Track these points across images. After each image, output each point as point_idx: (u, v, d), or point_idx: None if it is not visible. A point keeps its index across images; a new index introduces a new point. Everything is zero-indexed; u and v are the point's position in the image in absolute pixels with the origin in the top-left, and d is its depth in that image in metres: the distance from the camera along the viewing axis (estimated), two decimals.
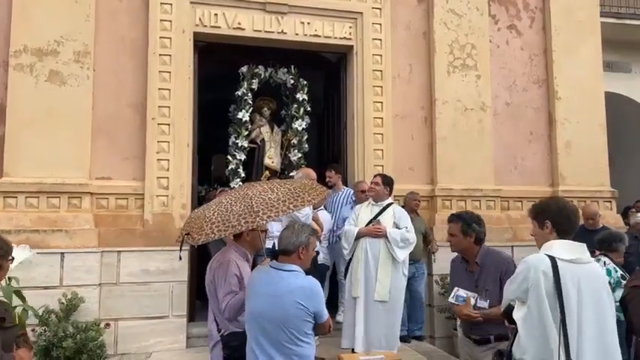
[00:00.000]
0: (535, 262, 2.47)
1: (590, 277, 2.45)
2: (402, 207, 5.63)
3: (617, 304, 4.41)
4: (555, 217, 2.49)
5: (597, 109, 6.66)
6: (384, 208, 4.66)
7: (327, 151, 7.09)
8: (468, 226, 3.30)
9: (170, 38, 5.43)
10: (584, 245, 2.51)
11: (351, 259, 4.69)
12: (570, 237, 2.50)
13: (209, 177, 9.77)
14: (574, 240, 2.50)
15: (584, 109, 6.57)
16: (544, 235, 2.58)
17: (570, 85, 6.56)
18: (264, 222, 2.68)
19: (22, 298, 2.73)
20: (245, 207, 2.59)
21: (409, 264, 5.35)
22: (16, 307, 2.65)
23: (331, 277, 5.83)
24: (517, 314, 2.51)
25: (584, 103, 6.58)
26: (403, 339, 5.23)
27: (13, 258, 2.37)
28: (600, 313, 2.44)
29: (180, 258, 3.23)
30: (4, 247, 2.33)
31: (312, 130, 7.33)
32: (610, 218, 6.44)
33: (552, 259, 2.42)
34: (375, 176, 4.92)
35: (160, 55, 5.38)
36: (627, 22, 8.67)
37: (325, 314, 2.69)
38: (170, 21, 5.44)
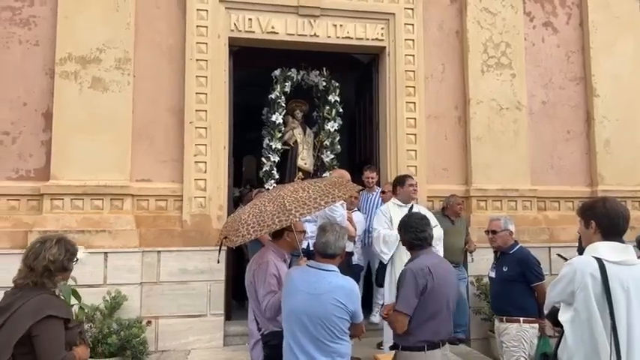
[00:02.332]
0: (582, 264, 2.43)
1: (637, 279, 2.40)
2: (443, 209, 5.64)
3: None
4: (601, 217, 2.45)
5: (637, 106, 6.47)
6: (410, 208, 4.68)
7: (359, 152, 7.11)
8: None
9: (206, 43, 5.56)
10: (630, 247, 2.47)
11: (388, 263, 4.68)
12: (617, 239, 2.46)
13: (240, 178, 9.93)
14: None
15: (623, 106, 6.40)
16: (589, 235, 2.55)
17: (609, 82, 6.40)
18: (297, 219, 2.76)
19: (78, 297, 2.85)
20: (278, 206, 2.67)
21: None
22: (72, 305, 2.78)
23: (366, 278, 5.85)
24: (563, 317, 2.48)
25: (624, 100, 6.41)
26: (449, 341, 5.21)
27: (77, 259, 2.50)
28: None
29: (219, 261, 3.32)
30: (71, 249, 2.45)
31: (344, 132, 7.38)
32: None
33: (599, 261, 2.39)
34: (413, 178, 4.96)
35: (197, 60, 5.52)
36: None
37: (361, 315, 2.75)
38: (206, 27, 5.57)
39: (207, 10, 5.59)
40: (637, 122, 6.42)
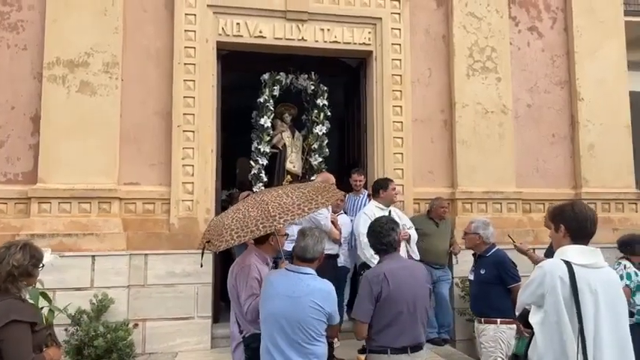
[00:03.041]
0: (551, 267, 2.50)
1: (605, 282, 2.46)
2: (428, 212, 5.71)
3: (639, 307, 4.41)
4: (569, 221, 2.51)
5: (622, 110, 6.57)
6: (389, 211, 4.76)
7: (348, 155, 7.17)
8: None
9: (194, 48, 5.61)
10: (598, 250, 2.53)
11: None
12: (585, 242, 2.52)
13: (233, 180, 9.96)
14: None
15: (607, 110, 6.50)
16: (559, 239, 2.61)
17: (593, 87, 6.49)
18: (281, 225, 2.79)
19: (49, 300, 2.90)
20: (262, 212, 2.71)
21: (435, 268, 5.45)
22: (42, 308, 2.83)
23: (352, 280, 5.90)
24: (533, 318, 2.54)
25: (608, 104, 6.51)
26: (434, 341, 5.29)
27: (43, 265, 2.54)
28: (616, 318, 2.45)
29: (202, 265, 3.36)
30: (36, 255, 2.49)
31: (333, 135, 7.43)
32: (635, 220, 6.35)
33: (568, 265, 2.46)
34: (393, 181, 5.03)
35: (185, 64, 5.57)
36: None
37: (338, 317, 2.81)
38: (194, 31, 5.62)
39: (195, 15, 5.64)
40: (620, 126, 6.51)
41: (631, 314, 4.66)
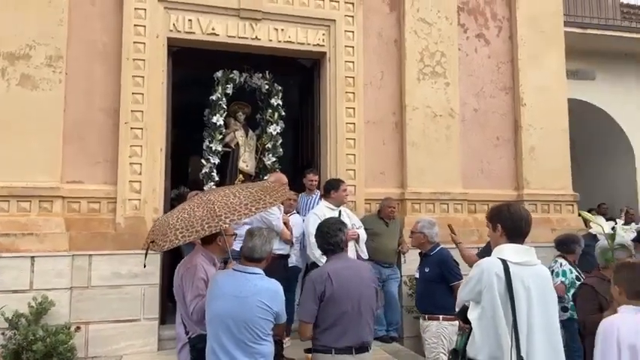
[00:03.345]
0: (488, 265, 2.61)
1: (537, 278, 2.60)
2: (379, 212, 5.81)
3: (572, 302, 4.66)
4: (505, 221, 2.64)
5: (560, 115, 6.92)
6: (340, 212, 4.83)
7: (302, 155, 7.20)
8: None
9: (144, 43, 5.47)
10: (532, 249, 2.67)
11: None
12: (520, 241, 2.66)
13: (186, 179, 9.76)
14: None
15: (548, 115, 6.83)
16: (496, 238, 2.74)
17: (535, 93, 6.80)
18: (227, 225, 2.78)
19: None
20: (208, 212, 2.69)
21: (384, 267, 5.56)
22: None
23: (304, 279, 5.92)
24: (472, 314, 2.65)
25: (548, 109, 6.84)
26: (382, 339, 5.39)
27: None
28: (547, 312, 2.59)
29: (145, 266, 3.29)
30: None
31: (289, 134, 7.44)
32: (572, 221, 6.71)
33: (504, 262, 2.58)
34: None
35: (134, 59, 5.42)
36: (591, 31, 9.03)
37: (285, 316, 2.82)
38: (144, 26, 5.48)
39: (145, 10, 5.50)
40: (559, 131, 6.86)
41: (565, 309, 4.94)
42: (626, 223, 4.47)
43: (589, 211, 7.99)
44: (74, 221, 5.16)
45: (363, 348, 2.98)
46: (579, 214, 5.04)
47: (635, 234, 3.61)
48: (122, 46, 5.40)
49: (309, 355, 4.29)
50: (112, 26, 5.46)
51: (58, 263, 4.87)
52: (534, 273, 2.61)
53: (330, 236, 3.05)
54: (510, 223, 2.64)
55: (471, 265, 3.92)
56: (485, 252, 2.93)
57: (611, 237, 3.44)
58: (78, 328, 4.82)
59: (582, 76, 9.26)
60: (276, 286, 2.80)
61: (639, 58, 9.76)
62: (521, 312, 2.51)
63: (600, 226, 3.45)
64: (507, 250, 2.61)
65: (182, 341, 3.15)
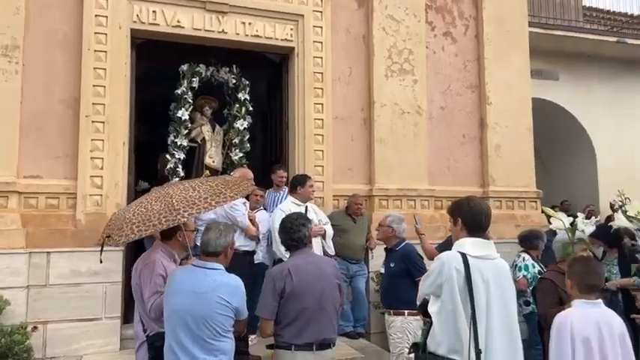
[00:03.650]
0: (448, 258, 2.64)
1: (496, 272, 2.64)
2: (347, 208, 5.81)
3: (533, 297, 4.76)
4: (465, 215, 2.67)
5: (525, 114, 7.06)
6: (306, 207, 4.81)
7: (270, 150, 7.14)
8: None
9: (106, 34, 5.30)
10: (492, 242, 2.70)
11: None
12: (480, 235, 2.68)
13: (155, 175, 9.53)
14: None
15: (512, 114, 6.95)
16: (457, 232, 2.77)
17: (500, 91, 6.92)
18: (185, 219, 2.72)
19: None
20: (165, 205, 2.62)
21: (352, 263, 5.56)
22: None
23: None
24: (432, 308, 2.66)
25: (513, 108, 6.97)
26: (349, 335, 5.39)
27: None
28: (505, 305, 2.63)
29: (101, 261, 3.19)
30: None
31: (257, 130, 7.36)
32: (535, 217, 6.86)
33: (464, 256, 2.60)
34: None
35: (95, 51, 5.25)
36: (555, 32, 9.25)
37: (246, 312, 2.78)
38: (106, 16, 5.31)
39: None
40: (523, 129, 7.00)
41: (528, 303, 5.06)
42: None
43: (552, 208, 8.26)
44: (31, 217, 4.97)
45: (324, 345, 2.96)
46: (542, 210, 5.15)
47: (595, 228, 3.71)
48: (82, 37, 5.22)
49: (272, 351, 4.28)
50: (73, 15, 5.28)
51: (14, 261, 4.68)
52: (494, 267, 2.64)
53: (294, 232, 3.02)
54: (470, 217, 2.67)
55: (430, 258, 3.99)
56: (445, 246, 2.96)
57: (572, 231, 3.53)
58: (35, 327, 4.66)
59: (546, 76, 9.48)
60: (236, 282, 2.75)
61: (601, 60, 10.04)
62: (480, 305, 2.54)
63: (561, 220, 3.53)
64: (467, 244, 2.64)
65: (140, 339, 3.07)
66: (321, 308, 2.93)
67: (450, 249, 2.70)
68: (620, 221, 3.53)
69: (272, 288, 2.88)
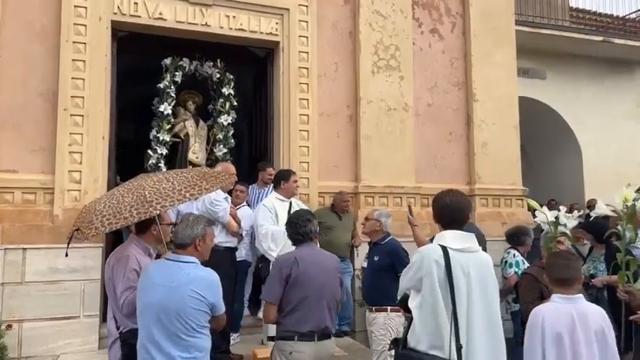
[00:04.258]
0: (428, 251, 2.59)
1: (477, 265, 2.58)
2: (332, 205, 5.74)
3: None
4: (442, 209, 2.63)
5: (511, 112, 7.04)
6: (290, 203, 4.74)
7: (256, 146, 7.04)
8: None
9: (85, 25, 5.18)
10: (473, 235, 2.65)
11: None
12: (459, 228, 2.63)
13: (141, 170, 9.38)
14: None
15: (499, 111, 6.93)
16: (438, 226, 2.72)
17: (487, 89, 6.89)
18: (158, 212, 2.62)
19: None
20: (137, 197, 2.52)
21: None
22: None
23: (255, 274, 5.78)
24: (412, 303, 2.61)
25: (500, 106, 6.94)
26: (334, 333, 5.30)
27: None
28: (487, 299, 2.58)
29: (67, 255, 3.08)
30: None
31: (243, 125, 7.26)
32: (521, 215, 6.83)
33: (444, 249, 2.55)
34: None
35: (74, 42, 5.13)
36: (542, 31, 9.27)
37: (222, 308, 2.69)
38: (85, 7, 5.19)
39: None
40: (510, 127, 6.98)
41: (516, 301, 5.01)
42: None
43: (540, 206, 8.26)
44: (6, 213, 4.84)
45: (324, 335, 3.08)
46: (527, 204, 5.13)
47: (577, 222, 3.67)
48: (61, 28, 5.10)
49: (259, 350, 4.20)
50: (52, 6, 5.15)
51: None
52: (475, 259, 2.59)
53: (300, 226, 3.18)
54: (447, 210, 2.64)
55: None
56: None
57: (554, 225, 3.49)
58: (10, 326, 4.53)
59: (533, 75, 9.50)
60: (211, 276, 2.66)
61: (588, 60, 10.09)
62: (461, 299, 2.49)
63: (544, 213, 3.49)
64: (447, 237, 2.59)
65: (113, 337, 2.97)
66: (321, 299, 3.05)
67: None
68: (600, 209, 3.47)
69: (279, 274, 3.02)
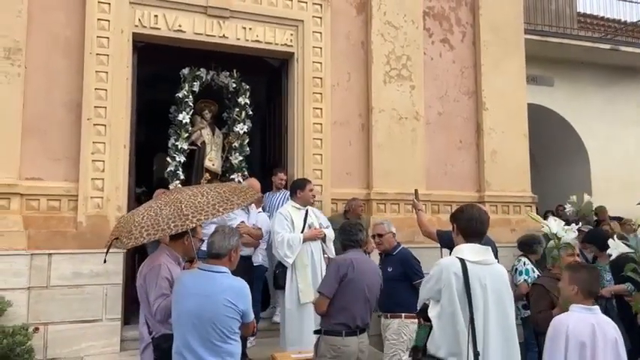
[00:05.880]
0: (447, 264, 2.73)
1: (493, 277, 2.73)
2: (346, 212, 5.88)
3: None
4: (462, 222, 2.77)
5: (520, 119, 7.16)
6: (306, 211, 4.87)
7: (269, 154, 7.20)
8: None
9: (108, 38, 5.35)
10: (489, 248, 2.79)
11: (290, 266, 4.80)
12: (477, 241, 2.77)
13: (151, 177, 9.57)
14: None
15: (508, 119, 7.05)
16: (456, 238, 2.86)
17: (496, 97, 7.01)
18: (194, 225, 2.78)
19: None
20: (175, 210, 2.68)
21: None
22: None
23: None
24: (432, 312, 2.75)
25: (509, 114, 7.06)
26: None
27: None
28: (502, 309, 2.72)
29: (105, 261, 3.24)
30: None
31: (257, 134, 7.42)
32: (530, 222, 6.90)
33: (462, 262, 2.69)
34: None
35: (97, 54, 5.29)
36: (550, 39, 9.38)
37: (252, 315, 2.84)
38: (108, 20, 5.36)
39: (109, 4, 5.38)
40: (519, 135, 7.10)
41: (526, 307, 5.13)
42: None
43: (546, 213, 8.38)
44: (33, 219, 5.01)
45: (364, 330, 3.49)
46: (530, 216, 5.26)
47: (576, 233, 3.79)
48: (85, 40, 5.27)
49: (278, 354, 4.34)
50: (76, 19, 5.32)
51: (16, 262, 4.71)
52: (491, 272, 2.73)
53: (352, 234, 3.60)
54: (465, 223, 2.78)
55: (425, 234, 4.38)
56: (449, 233, 3.04)
57: (556, 237, 3.62)
58: (36, 329, 4.69)
59: (541, 82, 9.61)
60: (242, 284, 2.81)
61: (595, 67, 10.19)
62: (478, 309, 2.63)
63: (547, 226, 3.62)
64: (465, 250, 2.73)
65: (145, 341, 3.12)
66: (367, 298, 3.45)
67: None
68: (618, 248, 3.46)
69: (336, 271, 3.41)
